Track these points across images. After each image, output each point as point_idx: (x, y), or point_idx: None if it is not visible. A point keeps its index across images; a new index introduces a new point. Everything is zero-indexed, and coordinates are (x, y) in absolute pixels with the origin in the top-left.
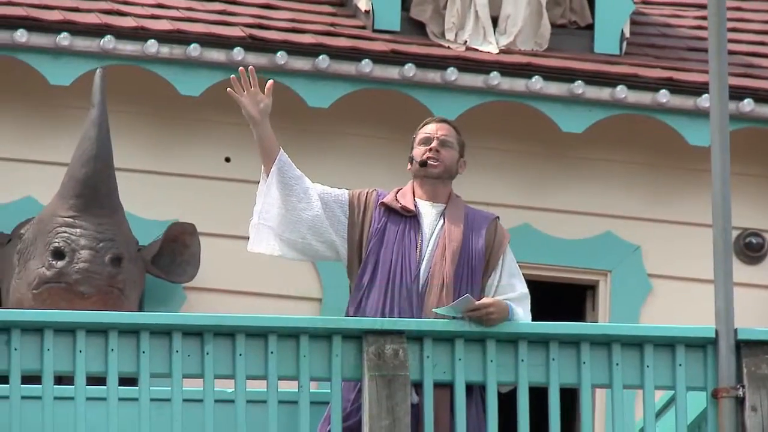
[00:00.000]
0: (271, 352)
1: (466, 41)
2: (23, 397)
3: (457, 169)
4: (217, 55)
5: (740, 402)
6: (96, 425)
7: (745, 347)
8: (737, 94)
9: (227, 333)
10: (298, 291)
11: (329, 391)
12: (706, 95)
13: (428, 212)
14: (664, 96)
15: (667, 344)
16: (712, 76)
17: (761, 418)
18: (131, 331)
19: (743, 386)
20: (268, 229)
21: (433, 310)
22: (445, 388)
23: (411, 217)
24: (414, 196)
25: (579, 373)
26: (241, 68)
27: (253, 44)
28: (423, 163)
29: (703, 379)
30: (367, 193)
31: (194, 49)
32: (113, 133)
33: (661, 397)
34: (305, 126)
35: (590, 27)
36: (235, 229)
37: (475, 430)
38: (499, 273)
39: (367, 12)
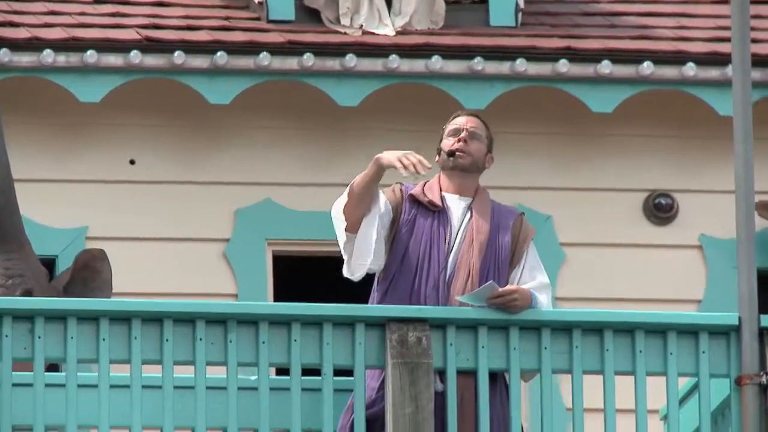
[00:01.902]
0: (295, 340)
1: (362, 25)
2: (46, 385)
3: (484, 164)
4: (114, 59)
5: (764, 389)
6: (119, 412)
7: None
8: (635, 57)
9: (250, 321)
10: (213, 288)
11: (353, 378)
12: (606, 62)
13: (456, 206)
14: (563, 66)
15: (691, 331)
16: (734, 45)
17: None
18: (155, 319)
19: (767, 373)
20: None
21: (457, 298)
22: (471, 375)
23: (439, 212)
24: (441, 190)
25: (602, 360)
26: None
27: (150, 46)
28: (451, 154)
29: (727, 366)
30: (397, 188)
31: (91, 56)
32: (17, 145)
33: (684, 384)
34: (207, 123)
35: (484, 0)
36: (144, 231)
37: (500, 418)
38: (522, 267)
39: (260, 3)
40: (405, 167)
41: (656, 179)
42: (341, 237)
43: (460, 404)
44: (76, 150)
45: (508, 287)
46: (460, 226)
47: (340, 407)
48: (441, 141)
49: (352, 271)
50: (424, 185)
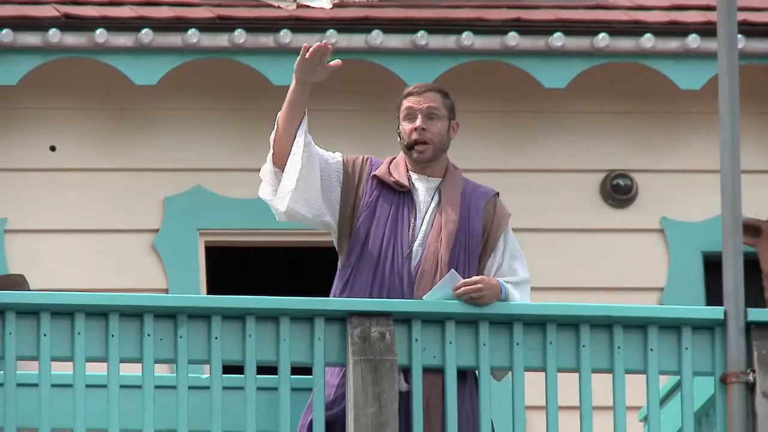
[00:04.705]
0: (249, 336)
1: None
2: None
3: (449, 139)
4: (32, 38)
5: (750, 387)
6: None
7: (755, 329)
8: (590, 29)
9: (202, 315)
10: (142, 282)
11: (311, 377)
12: (558, 34)
13: (422, 187)
14: (513, 39)
15: (673, 326)
16: (720, 18)
17: None
18: (100, 314)
19: (753, 371)
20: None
21: (423, 297)
22: (437, 373)
23: (404, 192)
24: (407, 169)
25: (578, 357)
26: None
27: (70, 23)
28: (410, 146)
29: (711, 363)
30: (362, 160)
31: (6, 35)
32: None
33: (665, 383)
34: (133, 105)
35: None
36: (66, 223)
37: (469, 417)
38: (501, 254)
39: None
40: (313, 54)
41: (614, 159)
42: (268, 169)
43: (426, 405)
44: None
45: (473, 278)
46: (427, 210)
47: (298, 407)
48: (399, 121)
49: (276, 205)
50: (390, 163)
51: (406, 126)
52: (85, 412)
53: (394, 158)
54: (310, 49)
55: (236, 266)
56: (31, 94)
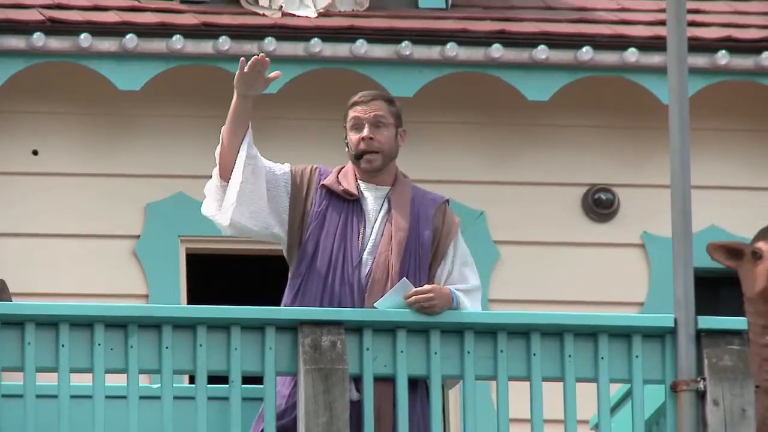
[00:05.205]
0: (200, 345)
1: (281, 6)
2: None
3: (397, 147)
4: (16, 42)
5: (701, 395)
6: (13, 423)
7: (706, 337)
8: (573, 42)
9: (153, 325)
10: (122, 288)
11: (262, 386)
12: (542, 46)
13: (371, 196)
14: (497, 50)
15: (623, 334)
16: (670, 33)
17: (723, 412)
18: (50, 324)
19: (704, 379)
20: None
21: (375, 304)
22: (389, 382)
23: (353, 201)
24: (356, 178)
25: (529, 365)
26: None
27: (54, 27)
28: (358, 157)
29: (662, 371)
30: (310, 170)
31: None
32: None
33: (616, 391)
34: (116, 111)
35: None
36: (47, 227)
37: (420, 427)
38: (450, 261)
39: None
40: (251, 67)
41: (596, 173)
42: (214, 184)
43: (377, 415)
44: None
45: (425, 286)
46: (377, 218)
47: (249, 417)
48: (346, 132)
49: (219, 219)
50: (339, 172)
51: (353, 136)
52: (36, 423)
53: (343, 167)
54: (249, 63)
55: (217, 274)
56: (14, 97)
